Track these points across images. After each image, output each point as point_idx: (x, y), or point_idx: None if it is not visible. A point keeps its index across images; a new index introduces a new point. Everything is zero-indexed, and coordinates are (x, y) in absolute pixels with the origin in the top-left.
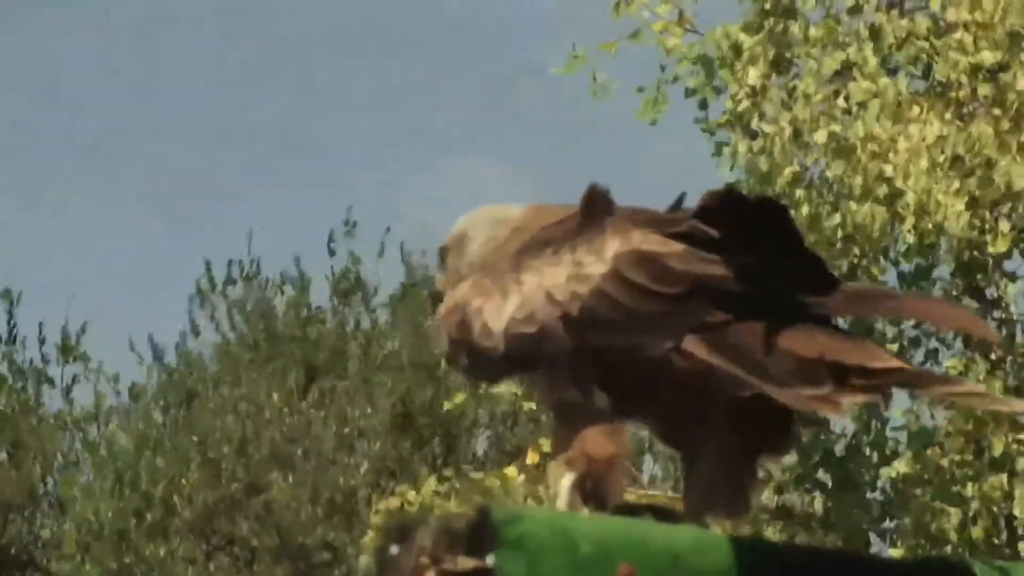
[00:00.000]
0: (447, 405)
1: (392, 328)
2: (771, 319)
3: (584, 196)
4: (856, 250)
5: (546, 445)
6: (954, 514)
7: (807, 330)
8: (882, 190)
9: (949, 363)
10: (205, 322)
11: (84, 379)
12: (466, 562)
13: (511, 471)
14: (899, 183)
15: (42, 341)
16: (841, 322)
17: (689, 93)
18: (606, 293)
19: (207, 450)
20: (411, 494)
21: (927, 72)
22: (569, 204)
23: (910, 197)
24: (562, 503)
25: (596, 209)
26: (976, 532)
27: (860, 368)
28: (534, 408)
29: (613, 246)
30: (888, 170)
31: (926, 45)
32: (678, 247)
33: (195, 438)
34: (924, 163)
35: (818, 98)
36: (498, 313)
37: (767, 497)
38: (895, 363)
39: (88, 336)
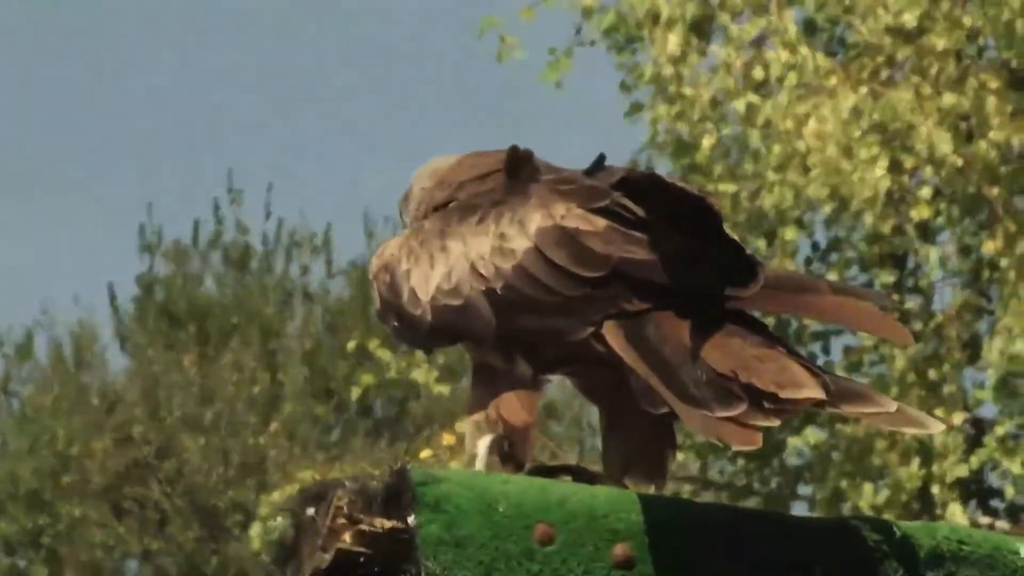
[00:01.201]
0: (354, 392)
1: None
2: (691, 310)
3: (507, 157)
4: (771, 219)
5: (461, 428)
6: (868, 486)
7: (726, 335)
8: (796, 163)
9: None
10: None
11: None
12: (383, 523)
13: (425, 452)
14: (811, 160)
15: None
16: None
17: (611, 48)
18: (527, 271)
19: (116, 415)
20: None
21: (843, 40)
22: (495, 151)
23: (820, 172)
24: (480, 463)
25: (520, 172)
26: (888, 501)
27: (771, 395)
28: (444, 393)
29: (535, 219)
30: (801, 146)
31: (847, 2)
32: (601, 224)
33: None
34: (835, 140)
35: (738, 65)
36: (425, 281)
37: (689, 462)
38: (808, 392)
39: None
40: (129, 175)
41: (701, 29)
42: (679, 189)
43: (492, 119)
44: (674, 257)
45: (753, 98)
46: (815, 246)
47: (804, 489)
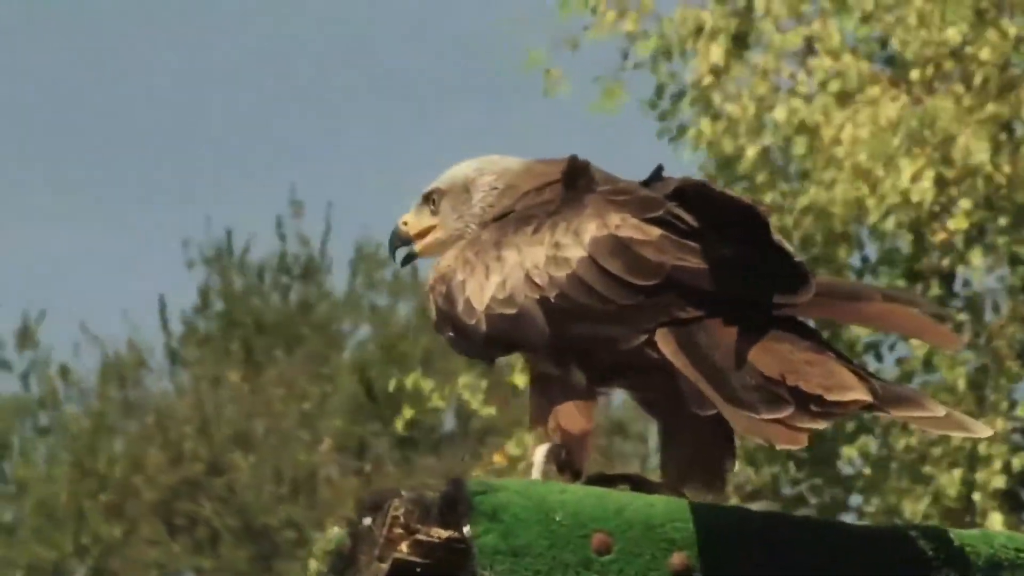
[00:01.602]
0: (399, 424)
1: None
2: (742, 317)
3: (565, 168)
4: (819, 237)
5: (512, 449)
6: (920, 494)
7: (775, 340)
8: (842, 173)
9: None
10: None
11: (41, 364)
12: (440, 532)
13: (476, 471)
14: (847, 165)
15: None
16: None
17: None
18: (582, 280)
19: (167, 432)
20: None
21: (884, 47)
22: (559, 160)
23: (848, 174)
24: (537, 472)
25: (577, 182)
26: (929, 508)
27: (817, 397)
28: (493, 414)
29: (590, 229)
30: (839, 151)
31: (892, 20)
32: (654, 233)
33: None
34: (869, 147)
35: (780, 73)
36: (480, 290)
37: (739, 469)
38: (855, 395)
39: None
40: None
41: (743, 40)
42: (730, 198)
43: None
44: (725, 265)
45: (796, 103)
46: (864, 259)
47: (855, 499)
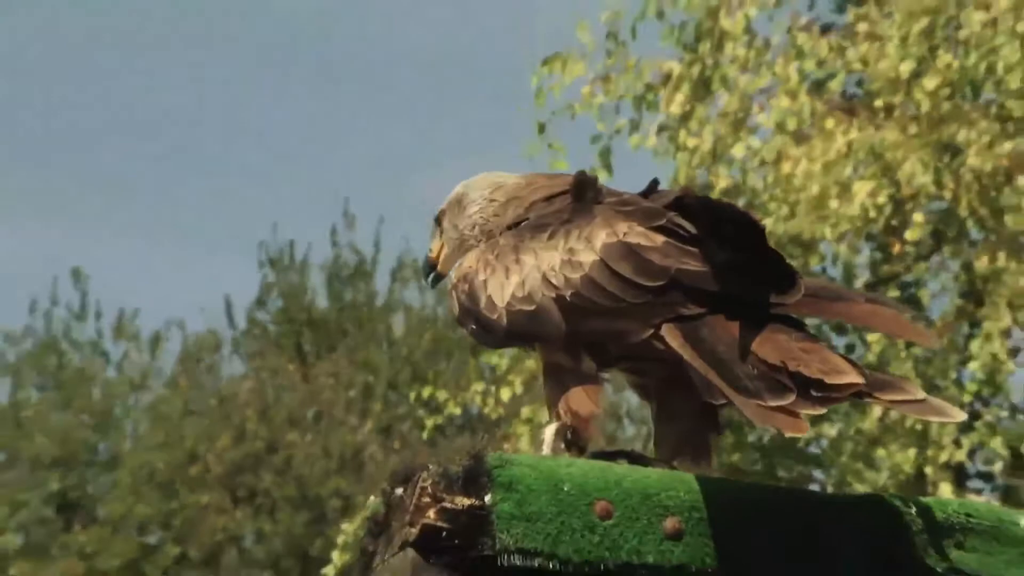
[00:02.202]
0: (424, 432)
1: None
2: (739, 313)
3: (573, 182)
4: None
5: (519, 430)
6: (871, 474)
7: (773, 331)
8: (799, 206)
9: (872, 338)
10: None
11: (135, 351)
12: (463, 501)
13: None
14: (801, 196)
15: (98, 316)
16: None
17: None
18: (595, 281)
19: (233, 415)
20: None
21: (831, 81)
22: (559, 174)
23: (804, 207)
24: (547, 447)
25: (586, 194)
26: (887, 483)
27: (819, 382)
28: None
29: (601, 236)
30: (796, 183)
31: (848, 59)
32: (659, 240)
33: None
34: (818, 179)
35: (740, 115)
36: (501, 289)
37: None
38: (851, 378)
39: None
40: (248, 200)
41: (708, 83)
42: (727, 207)
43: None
44: (723, 268)
45: (754, 142)
46: (824, 270)
47: (818, 474)
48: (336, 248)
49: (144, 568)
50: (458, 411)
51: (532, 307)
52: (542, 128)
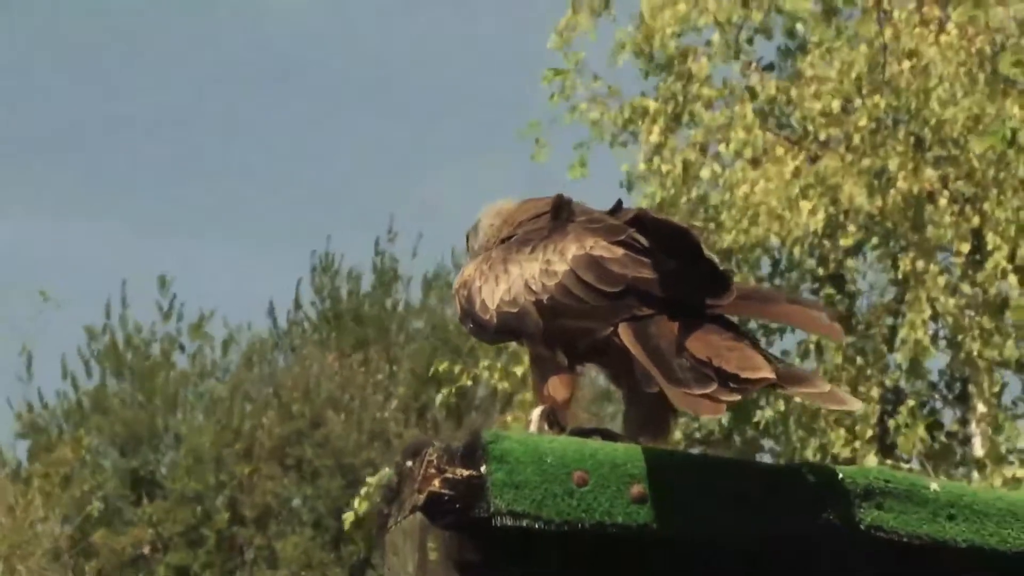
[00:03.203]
0: (440, 401)
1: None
2: (681, 314)
3: (552, 203)
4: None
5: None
6: (813, 441)
7: (706, 331)
8: (759, 217)
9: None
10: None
11: (207, 347)
12: (462, 472)
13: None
14: (760, 210)
15: (180, 317)
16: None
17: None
18: (566, 286)
19: (283, 397)
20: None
21: (786, 118)
22: (545, 197)
23: (764, 219)
24: (533, 427)
25: (561, 214)
26: (823, 456)
27: (735, 376)
28: (507, 387)
29: (572, 249)
30: (754, 200)
31: (790, 96)
32: (619, 252)
33: (270, 390)
34: (777, 195)
35: (705, 144)
36: (492, 294)
37: (685, 426)
38: (764, 373)
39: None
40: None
41: (679, 117)
42: (672, 224)
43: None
44: (670, 275)
45: (717, 168)
46: (776, 265)
47: (769, 444)
48: (378, 256)
49: (202, 532)
50: (469, 383)
51: (516, 309)
52: (536, 133)
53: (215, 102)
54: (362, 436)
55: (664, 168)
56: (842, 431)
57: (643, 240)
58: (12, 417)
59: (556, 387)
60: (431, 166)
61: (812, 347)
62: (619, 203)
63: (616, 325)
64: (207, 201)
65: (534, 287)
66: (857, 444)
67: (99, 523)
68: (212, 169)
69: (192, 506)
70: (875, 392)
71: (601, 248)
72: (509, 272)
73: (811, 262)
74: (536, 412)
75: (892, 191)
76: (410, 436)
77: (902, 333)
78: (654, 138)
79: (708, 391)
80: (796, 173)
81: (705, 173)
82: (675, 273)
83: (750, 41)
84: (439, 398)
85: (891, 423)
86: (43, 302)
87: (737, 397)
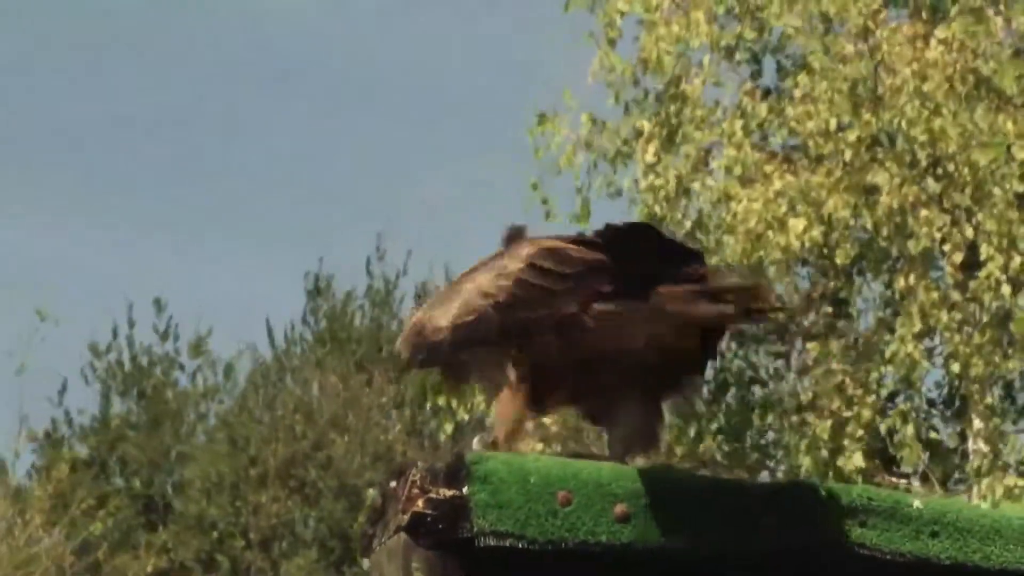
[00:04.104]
0: (443, 435)
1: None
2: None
3: (505, 235)
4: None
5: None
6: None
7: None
8: (741, 228)
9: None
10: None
11: (206, 368)
12: (446, 492)
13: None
14: (738, 230)
15: (176, 338)
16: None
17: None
18: (524, 280)
19: (286, 419)
20: None
21: (772, 136)
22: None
23: (742, 239)
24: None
25: (515, 240)
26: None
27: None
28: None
29: (525, 248)
30: (738, 217)
31: (786, 117)
32: (571, 241)
33: (280, 412)
34: (758, 215)
35: (697, 161)
36: (446, 314)
37: (686, 446)
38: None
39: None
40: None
41: (672, 137)
42: (635, 222)
43: None
44: (630, 257)
45: (709, 181)
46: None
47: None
48: (369, 278)
49: (217, 558)
50: (466, 416)
51: (472, 316)
52: (535, 186)
53: (215, 102)
54: (365, 458)
55: (658, 183)
56: (828, 423)
57: (596, 239)
58: (14, 432)
59: (503, 406)
60: (431, 166)
61: (810, 363)
62: (582, 232)
63: (584, 303)
64: (207, 201)
65: (489, 290)
66: (845, 442)
67: (108, 545)
68: (212, 169)
69: (206, 531)
70: (872, 399)
71: (553, 241)
72: (461, 290)
73: (805, 283)
74: (477, 439)
75: (879, 206)
76: (414, 457)
77: (892, 347)
78: (649, 157)
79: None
80: (780, 192)
81: (697, 186)
82: (636, 255)
83: (747, 59)
84: (442, 434)
85: (882, 425)
86: (40, 321)
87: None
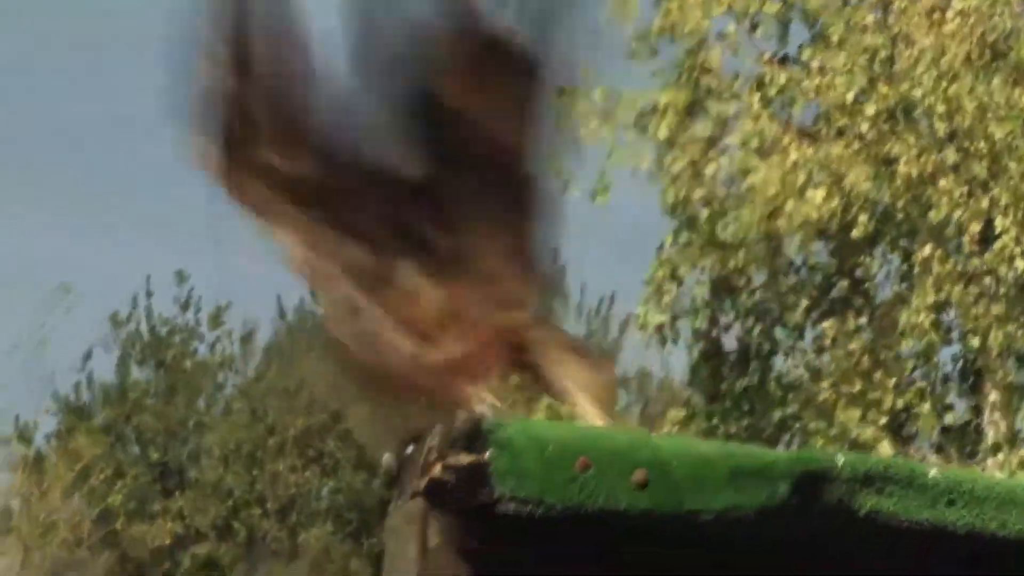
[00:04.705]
0: None
1: None
2: None
3: None
4: (741, 256)
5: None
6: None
7: None
8: (759, 200)
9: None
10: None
11: (225, 339)
12: (464, 458)
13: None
14: (757, 200)
15: (198, 310)
16: None
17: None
18: None
19: (304, 389)
20: None
21: (792, 107)
22: None
23: (760, 207)
24: None
25: None
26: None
27: None
28: None
29: None
30: (755, 188)
31: (804, 88)
32: None
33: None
34: (775, 186)
35: (714, 137)
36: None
37: (704, 420)
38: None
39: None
40: None
41: (690, 110)
42: None
43: None
44: None
45: (724, 161)
46: (791, 264)
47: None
48: None
49: (233, 525)
50: None
51: None
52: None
53: None
54: (383, 430)
55: (676, 165)
56: (856, 411)
57: None
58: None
59: None
60: None
61: (829, 341)
62: None
63: None
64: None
65: None
66: (870, 431)
67: (125, 514)
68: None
69: (223, 499)
70: (892, 378)
71: None
72: None
73: (823, 258)
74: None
75: (897, 177)
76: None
77: (904, 317)
78: (663, 134)
79: None
80: (797, 163)
81: (711, 168)
82: None
83: (769, 30)
84: None
85: (899, 400)
86: (65, 294)
87: None
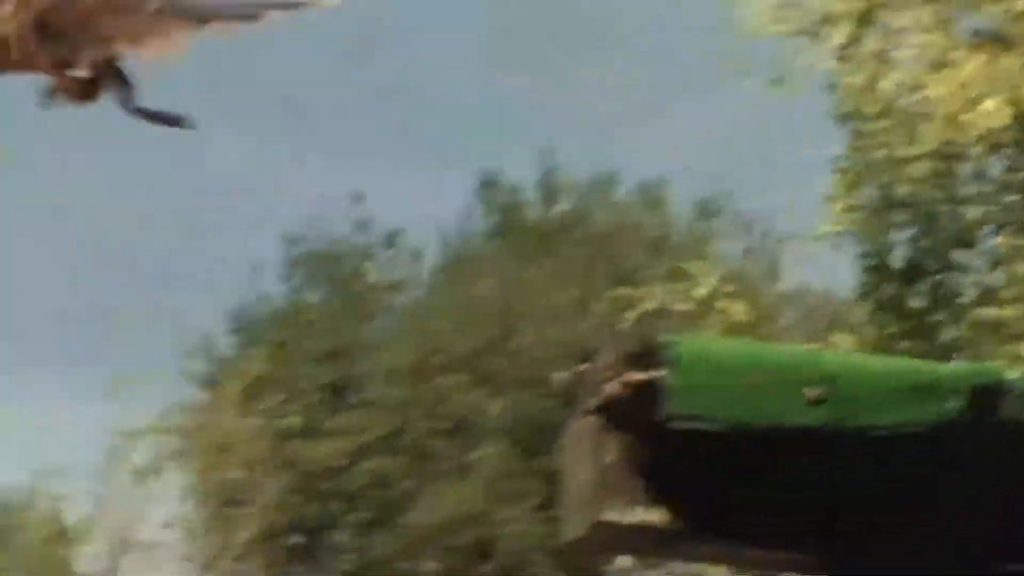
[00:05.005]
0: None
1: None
2: None
3: None
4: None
5: None
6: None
7: None
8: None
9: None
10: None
11: (397, 259)
12: (640, 375)
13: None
14: (939, 113)
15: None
16: None
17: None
18: None
19: (473, 309)
20: None
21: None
22: None
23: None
24: None
25: None
26: None
27: None
28: None
29: None
30: (934, 99)
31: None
32: None
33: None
34: (948, 101)
35: (887, 49)
36: None
37: (872, 337)
38: None
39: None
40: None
41: (867, 20)
42: None
43: None
44: None
45: (896, 75)
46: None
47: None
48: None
49: (399, 442)
50: (650, 307)
51: None
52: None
53: None
54: (556, 348)
55: (851, 77)
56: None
57: None
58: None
59: None
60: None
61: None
62: None
63: None
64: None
65: None
66: None
67: (299, 435)
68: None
69: (391, 415)
70: None
71: None
72: None
73: (1001, 170)
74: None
75: None
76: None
77: None
78: (839, 39)
79: None
80: (974, 75)
81: (886, 85)
82: None
83: None
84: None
85: None
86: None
87: None
